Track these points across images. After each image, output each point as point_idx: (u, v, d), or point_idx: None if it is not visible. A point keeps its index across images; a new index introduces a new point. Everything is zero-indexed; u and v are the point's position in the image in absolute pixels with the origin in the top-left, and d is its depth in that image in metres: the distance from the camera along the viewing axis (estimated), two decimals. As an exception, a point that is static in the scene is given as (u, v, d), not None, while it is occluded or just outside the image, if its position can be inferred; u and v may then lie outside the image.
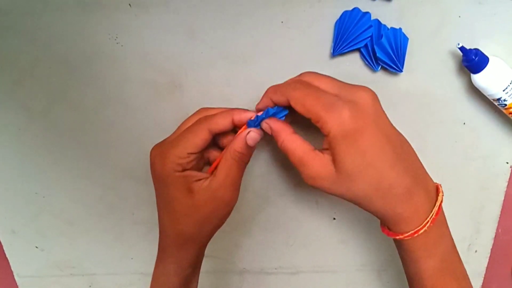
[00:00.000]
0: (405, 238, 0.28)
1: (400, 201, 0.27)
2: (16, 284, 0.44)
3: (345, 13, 0.31)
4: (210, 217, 0.31)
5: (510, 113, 0.32)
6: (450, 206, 0.39)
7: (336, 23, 0.31)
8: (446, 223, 0.31)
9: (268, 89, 0.30)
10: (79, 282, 0.44)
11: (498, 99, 0.31)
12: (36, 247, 0.41)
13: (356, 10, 0.31)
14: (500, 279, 0.44)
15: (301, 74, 0.30)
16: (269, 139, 0.36)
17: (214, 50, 0.33)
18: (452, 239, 0.31)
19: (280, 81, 0.33)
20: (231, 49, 0.32)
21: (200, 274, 0.43)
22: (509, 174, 0.37)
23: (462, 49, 0.30)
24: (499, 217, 0.39)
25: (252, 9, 0.31)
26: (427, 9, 0.31)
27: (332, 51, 0.32)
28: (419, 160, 0.29)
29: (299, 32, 0.32)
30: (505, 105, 0.31)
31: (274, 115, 0.30)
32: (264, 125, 0.30)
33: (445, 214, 0.40)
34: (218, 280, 0.44)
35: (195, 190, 0.30)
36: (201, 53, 0.33)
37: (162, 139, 0.32)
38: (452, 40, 0.32)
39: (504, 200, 0.38)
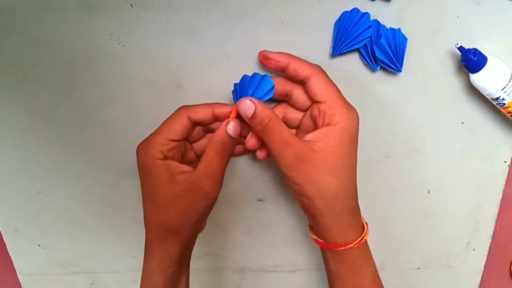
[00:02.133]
0: (338, 249, 0.30)
1: (350, 213, 0.30)
2: (19, 281, 0.44)
3: (344, 14, 0.31)
4: (189, 209, 0.30)
5: (509, 112, 0.32)
6: (448, 205, 0.39)
7: (335, 23, 0.32)
8: (370, 253, 0.33)
9: (288, 57, 0.30)
10: (81, 280, 0.44)
11: (497, 98, 0.32)
12: (39, 245, 0.42)
13: (355, 10, 0.31)
14: (498, 277, 0.44)
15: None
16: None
17: (215, 50, 0.33)
18: (375, 268, 0.33)
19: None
20: (232, 49, 0.33)
21: (201, 272, 0.43)
22: (507, 173, 0.38)
23: (460, 48, 0.31)
24: (497, 216, 0.40)
25: (252, 10, 0.31)
26: (426, 10, 0.31)
27: (331, 51, 0.32)
28: None
29: (299, 32, 0.32)
30: (504, 104, 0.32)
31: (261, 83, 0.30)
32: (246, 102, 0.29)
33: (444, 213, 0.41)
34: (219, 277, 0.44)
35: (176, 180, 0.30)
36: (202, 53, 0.33)
37: None
38: (451, 40, 0.32)
39: (502, 198, 0.39)
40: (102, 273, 0.43)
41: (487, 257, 0.42)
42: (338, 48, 0.32)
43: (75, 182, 0.38)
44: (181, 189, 0.30)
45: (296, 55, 0.30)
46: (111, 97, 0.35)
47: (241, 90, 0.31)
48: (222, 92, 0.34)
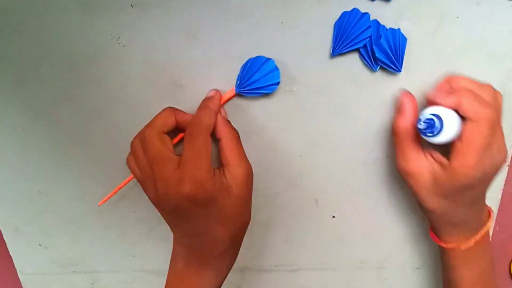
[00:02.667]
0: (449, 248, 0.33)
1: (457, 228, 0.32)
2: (20, 281, 0.44)
3: (344, 14, 0.31)
4: (248, 197, 0.33)
5: None
6: (448, 204, 0.39)
7: (335, 23, 0.32)
8: (489, 242, 0.34)
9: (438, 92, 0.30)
10: (81, 280, 0.44)
11: None
12: (39, 244, 0.42)
13: (355, 10, 0.31)
14: (498, 276, 0.45)
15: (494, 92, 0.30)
16: (267, 138, 0.36)
17: (215, 50, 0.33)
18: (491, 257, 0.34)
19: (280, 78, 0.34)
20: (232, 49, 0.33)
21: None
22: (506, 173, 0.38)
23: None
24: (497, 215, 0.40)
25: (252, 10, 0.32)
26: (425, 10, 0.32)
27: (331, 51, 0.32)
28: None
29: (299, 32, 0.32)
30: None
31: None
32: (402, 98, 0.31)
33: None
34: (219, 277, 0.44)
35: (228, 185, 0.31)
36: (202, 53, 0.33)
37: (162, 178, 0.31)
38: (451, 40, 0.32)
39: (501, 198, 0.39)
40: (102, 273, 0.44)
41: (486, 257, 0.42)
42: (338, 48, 0.32)
43: (75, 182, 0.38)
44: (238, 192, 0.32)
45: (468, 88, 0.29)
46: (111, 97, 0.35)
47: (246, 73, 0.32)
48: (222, 91, 0.34)
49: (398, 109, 0.32)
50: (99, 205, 0.37)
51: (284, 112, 0.35)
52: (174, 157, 0.30)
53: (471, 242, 0.32)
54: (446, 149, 0.30)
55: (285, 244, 0.42)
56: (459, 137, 0.28)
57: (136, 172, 0.32)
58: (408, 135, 0.30)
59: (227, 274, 0.34)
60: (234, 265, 0.39)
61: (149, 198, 0.32)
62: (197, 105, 0.35)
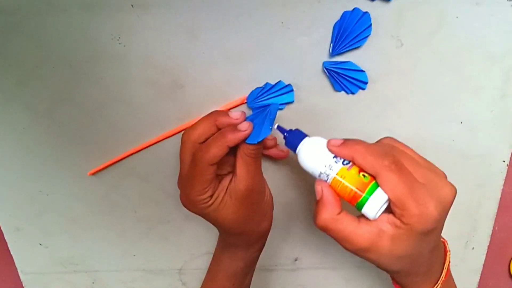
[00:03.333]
0: None
1: (423, 275, 0.30)
2: (20, 280, 0.44)
3: (345, 13, 0.31)
4: (253, 209, 0.32)
5: (360, 169, 0.28)
6: (447, 204, 0.40)
7: (335, 23, 0.32)
8: (451, 277, 0.33)
9: (354, 144, 0.28)
10: (82, 279, 0.44)
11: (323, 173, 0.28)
12: (40, 244, 0.42)
13: (356, 10, 0.31)
14: (497, 276, 0.45)
15: (391, 141, 0.29)
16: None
17: (215, 50, 0.33)
18: None
19: (279, 78, 0.34)
20: (232, 49, 0.33)
21: (203, 271, 0.43)
22: (505, 172, 0.38)
23: (278, 128, 0.31)
24: (496, 215, 0.40)
25: (253, 10, 0.32)
26: (425, 10, 0.32)
27: (330, 50, 0.33)
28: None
29: (298, 33, 0.32)
30: (330, 177, 0.28)
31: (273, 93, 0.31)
32: (318, 187, 0.29)
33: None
34: (219, 276, 0.44)
35: (230, 195, 0.32)
36: (202, 53, 0.33)
37: (179, 177, 0.32)
38: (450, 41, 0.33)
39: (500, 198, 0.39)
40: (103, 272, 0.44)
41: (486, 256, 0.42)
42: (337, 48, 0.32)
43: (76, 182, 0.38)
44: (238, 203, 0.32)
45: (362, 144, 0.27)
46: (112, 97, 0.35)
47: (258, 95, 0.34)
48: (223, 91, 0.34)
49: (318, 203, 0.28)
50: (88, 175, 0.38)
51: (284, 112, 0.35)
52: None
53: (440, 283, 0.31)
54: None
55: (285, 243, 0.42)
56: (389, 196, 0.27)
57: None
58: (336, 223, 0.28)
59: (255, 258, 0.37)
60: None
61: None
62: (197, 105, 0.35)
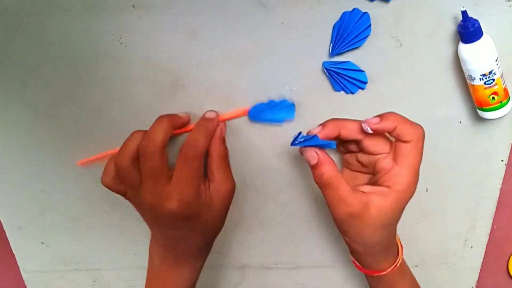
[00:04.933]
0: (377, 274, 0.34)
1: (386, 251, 0.33)
2: (22, 279, 0.44)
3: (345, 14, 0.32)
4: (226, 211, 0.34)
5: (494, 93, 0.31)
6: (446, 203, 0.40)
7: (335, 24, 0.32)
8: (406, 270, 0.36)
9: (333, 122, 0.30)
10: (83, 277, 0.44)
11: (490, 73, 0.30)
12: (42, 243, 0.42)
13: (355, 10, 0.31)
14: (496, 274, 0.45)
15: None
16: (266, 137, 0.36)
17: (216, 51, 0.33)
18: (413, 282, 0.37)
19: (279, 78, 0.34)
20: (232, 49, 0.33)
21: (203, 269, 0.44)
22: (504, 172, 0.38)
23: (464, 13, 0.30)
24: (494, 214, 0.40)
25: (253, 10, 0.32)
26: (424, 10, 0.32)
27: (330, 51, 0.33)
28: None
29: (298, 33, 0.33)
30: (493, 80, 0.31)
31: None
32: (312, 153, 0.30)
33: (442, 211, 0.41)
34: (220, 275, 0.45)
35: (211, 199, 0.33)
36: (203, 53, 0.33)
37: (148, 188, 0.32)
38: (449, 41, 0.33)
39: (499, 197, 0.39)
40: (104, 270, 0.44)
41: (484, 255, 0.42)
42: (337, 48, 0.32)
43: (77, 181, 0.39)
44: (220, 206, 0.34)
45: (399, 115, 0.30)
46: (113, 96, 0.35)
47: (259, 111, 0.34)
48: (223, 91, 0.34)
49: (313, 164, 0.30)
50: (76, 164, 0.37)
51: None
52: (168, 173, 0.31)
53: (398, 262, 0.34)
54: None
55: (285, 242, 0.42)
56: (396, 160, 0.29)
57: (117, 188, 0.33)
58: (338, 179, 0.29)
59: (201, 270, 0.37)
60: (235, 262, 0.40)
61: (132, 203, 0.34)
62: (198, 105, 0.35)
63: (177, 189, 0.30)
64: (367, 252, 0.32)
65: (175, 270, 0.34)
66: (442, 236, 0.41)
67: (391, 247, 0.33)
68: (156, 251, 0.35)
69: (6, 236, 0.42)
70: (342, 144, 0.34)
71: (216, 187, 0.33)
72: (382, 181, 0.30)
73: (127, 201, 0.40)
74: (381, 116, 0.29)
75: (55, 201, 0.40)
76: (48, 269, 0.44)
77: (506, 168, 0.38)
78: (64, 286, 0.45)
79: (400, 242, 0.35)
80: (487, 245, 0.42)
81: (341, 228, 0.31)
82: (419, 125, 0.30)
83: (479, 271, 0.43)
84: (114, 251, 0.43)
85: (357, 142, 0.32)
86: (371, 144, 0.31)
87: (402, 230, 0.41)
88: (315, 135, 0.30)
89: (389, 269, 0.33)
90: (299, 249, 0.42)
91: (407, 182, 0.29)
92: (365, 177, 0.33)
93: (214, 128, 0.33)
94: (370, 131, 0.29)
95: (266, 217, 0.41)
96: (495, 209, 0.40)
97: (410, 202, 0.39)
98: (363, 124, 0.29)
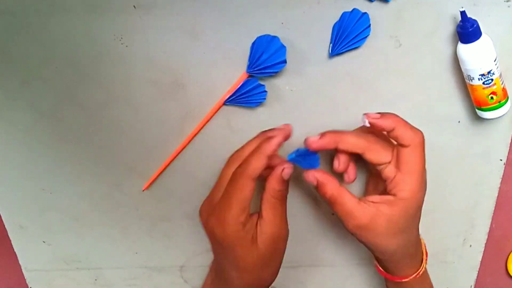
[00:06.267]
0: (401, 280, 0.34)
1: (409, 258, 0.33)
2: (24, 277, 0.44)
3: (344, 14, 0.32)
4: (273, 257, 0.32)
5: (492, 92, 0.31)
6: (445, 202, 0.40)
7: (334, 24, 0.32)
8: (427, 279, 0.36)
9: (332, 135, 0.30)
10: (85, 276, 0.44)
11: (488, 73, 0.31)
12: (43, 241, 0.42)
13: (355, 11, 0.32)
14: (494, 273, 0.45)
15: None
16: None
17: (216, 51, 0.33)
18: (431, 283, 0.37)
19: (279, 78, 0.34)
20: (233, 49, 0.33)
21: (202, 268, 0.44)
22: (502, 171, 0.38)
23: (463, 14, 0.30)
24: (493, 213, 0.40)
25: (253, 11, 0.32)
26: (423, 10, 0.32)
27: (330, 51, 0.33)
28: None
29: (298, 33, 0.33)
30: (491, 80, 0.31)
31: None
32: (310, 177, 0.30)
33: (441, 211, 0.41)
34: (220, 273, 0.45)
35: (257, 242, 0.31)
36: (203, 53, 0.33)
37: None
38: (448, 41, 0.33)
39: (498, 196, 0.39)
40: (105, 269, 0.44)
41: (483, 253, 0.42)
42: (337, 48, 0.33)
43: (79, 180, 0.39)
44: (262, 245, 0.31)
45: (399, 116, 0.30)
46: (114, 96, 0.35)
47: (255, 53, 0.32)
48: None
49: (315, 185, 0.30)
50: (143, 190, 0.38)
51: (284, 112, 0.36)
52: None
53: (421, 271, 0.34)
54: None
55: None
56: (399, 168, 0.29)
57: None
58: (341, 195, 0.29)
59: None
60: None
61: None
62: (198, 104, 0.35)
63: (217, 208, 0.30)
64: (387, 259, 0.33)
65: None
66: (441, 235, 0.41)
67: (414, 255, 0.33)
68: (210, 272, 0.35)
69: (8, 235, 0.42)
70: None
71: (262, 226, 0.30)
72: (389, 190, 0.30)
73: (128, 200, 0.40)
74: (382, 114, 0.29)
75: (56, 200, 0.40)
76: (49, 267, 0.44)
77: (505, 167, 0.38)
78: (66, 284, 0.45)
79: (425, 250, 0.35)
80: (485, 244, 0.42)
81: (357, 238, 0.31)
82: (419, 130, 0.30)
83: (478, 270, 0.43)
84: (115, 250, 0.43)
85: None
86: (372, 155, 0.30)
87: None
88: (307, 151, 0.30)
89: (411, 277, 0.33)
90: (299, 248, 0.43)
91: (411, 189, 0.29)
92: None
93: (270, 151, 0.29)
94: (368, 125, 0.29)
95: (266, 216, 0.41)
96: (493, 208, 0.40)
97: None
98: (362, 117, 0.29)
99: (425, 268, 0.35)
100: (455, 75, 0.34)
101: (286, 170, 0.30)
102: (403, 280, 0.33)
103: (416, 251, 0.33)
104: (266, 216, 0.31)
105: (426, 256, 0.35)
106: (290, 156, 0.31)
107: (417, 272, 0.33)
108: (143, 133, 0.37)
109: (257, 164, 0.29)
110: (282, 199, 0.31)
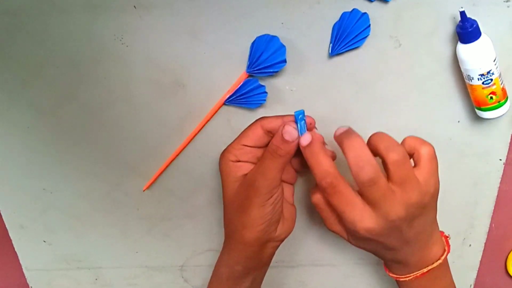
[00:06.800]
0: (409, 279, 0.33)
1: (418, 252, 0.32)
2: (25, 277, 0.45)
3: (344, 14, 0.32)
4: (244, 205, 0.32)
5: (492, 92, 0.32)
6: (445, 202, 0.40)
7: (334, 24, 0.32)
8: (447, 265, 0.35)
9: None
10: (85, 275, 0.45)
11: (488, 72, 0.31)
12: (44, 241, 0.43)
13: (355, 11, 0.32)
14: (494, 273, 0.45)
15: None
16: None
17: (216, 51, 0.33)
18: (451, 278, 0.35)
19: (279, 78, 0.34)
20: (233, 49, 0.33)
21: (202, 268, 0.44)
22: (502, 171, 0.38)
23: (462, 14, 0.30)
24: (493, 213, 0.40)
25: (253, 10, 0.32)
26: (423, 10, 0.32)
27: (330, 51, 0.33)
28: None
29: (298, 33, 0.33)
30: (491, 80, 0.31)
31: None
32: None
33: (441, 210, 0.41)
34: (220, 273, 0.45)
35: (240, 180, 0.32)
36: (203, 53, 0.33)
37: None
38: (447, 41, 0.33)
39: (497, 196, 0.39)
40: (106, 269, 0.44)
41: (483, 253, 0.42)
42: (337, 48, 0.33)
43: (79, 180, 0.39)
44: (240, 186, 0.32)
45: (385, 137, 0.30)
46: (115, 96, 0.35)
47: (255, 53, 0.33)
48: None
49: (316, 186, 0.31)
50: (143, 190, 0.39)
51: (284, 111, 0.36)
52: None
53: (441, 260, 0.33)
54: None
55: (285, 240, 0.42)
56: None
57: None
58: (349, 193, 0.30)
59: (239, 270, 0.35)
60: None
61: None
62: (199, 104, 0.35)
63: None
64: (394, 258, 0.33)
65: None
66: (441, 235, 0.41)
67: (424, 249, 0.33)
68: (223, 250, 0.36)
69: (8, 234, 0.42)
70: None
71: (249, 170, 0.32)
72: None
73: (128, 200, 0.40)
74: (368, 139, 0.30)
75: (57, 200, 0.40)
76: (50, 267, 0.44)
77: (505, 167, 0.38)
78: (66, 284, 0.45)
79: (446, 238, 0.34)
80: (485, 243, 0.42)
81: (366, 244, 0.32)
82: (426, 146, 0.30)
83: (477, 269, 0.43)
84: (116, 249, 0.43)
85: None
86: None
87: (401, 229, 0.41)
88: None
89: (411, 275, 0.33)
90: (299, 248, 0.43)
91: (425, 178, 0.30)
92: None
93: (287, 156, 0.31)
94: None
95: (266, 215, 0.41)
96: (493, 208, 0.40)
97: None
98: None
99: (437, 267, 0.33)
100: (455, 75, 0.34)
101: (286, 127, 0.30)
102: (403, 279, 0.33)
103: (424, 246, 0.32)
104: (257, 163, 0.32)
105: (448, 247, 0.34)
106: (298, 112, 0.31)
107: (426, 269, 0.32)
108: (143, 133, 0.37)
109: (273, 119, 0.32)
110: (274, 155, 0.31)
